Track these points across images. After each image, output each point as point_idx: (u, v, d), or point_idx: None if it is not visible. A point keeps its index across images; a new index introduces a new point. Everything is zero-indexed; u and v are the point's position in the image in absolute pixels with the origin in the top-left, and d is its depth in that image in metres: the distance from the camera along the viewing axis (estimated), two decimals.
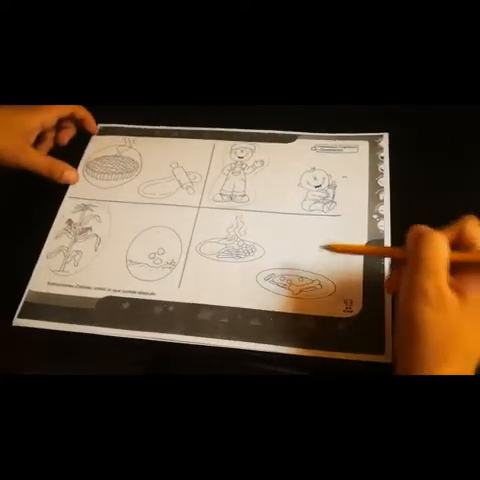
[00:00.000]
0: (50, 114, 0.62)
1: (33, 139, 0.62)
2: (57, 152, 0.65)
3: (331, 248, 0.52)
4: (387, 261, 0.52)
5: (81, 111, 0.65)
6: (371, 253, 0.53)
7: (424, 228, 0.41)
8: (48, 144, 0.65)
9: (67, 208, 0.61)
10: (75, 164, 0.65)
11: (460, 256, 0.40)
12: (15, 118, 0.60)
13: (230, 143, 0.64)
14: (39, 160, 0.61)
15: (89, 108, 0.67)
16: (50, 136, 0.65)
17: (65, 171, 0.62)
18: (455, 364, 0.37)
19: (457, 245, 0.41)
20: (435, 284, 0.38)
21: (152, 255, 0.56)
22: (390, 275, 0.48)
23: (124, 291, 0.54)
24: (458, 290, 0.38)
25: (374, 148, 0.61)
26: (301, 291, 0.52)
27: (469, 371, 0.38)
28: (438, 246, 0.39)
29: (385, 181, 0.58)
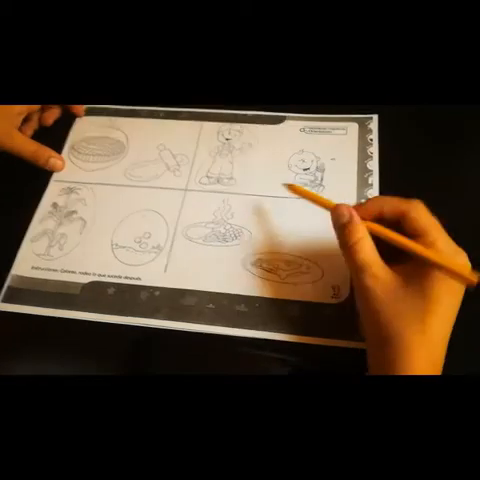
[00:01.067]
0: None
1: (19, 123, 0.61)
2: (42, 134, 0.64)
3: (290, 187, 0.50)
4: None
5: None
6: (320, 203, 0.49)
7: (347, 218, 0.42)
8: (33, 125, 0.64)
9: (52, 191, 0.60)
10: (60, 146, 0.64)
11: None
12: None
13: (218, 124, 0.63)
14: (24, 145, 0.60)
15: None
16: (35, 117, 0.64)
17: (51, 158, 0.61)
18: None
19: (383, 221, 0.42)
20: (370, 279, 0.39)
21: (138, 239, 0.55)
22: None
23: (109, 276, 0.53)
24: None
25: (364, 130, 0.60)
26: (288, 276, 0.51)
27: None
28: (365, 244, 0.40)
29: (374, 164, 0.57)
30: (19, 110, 0.60)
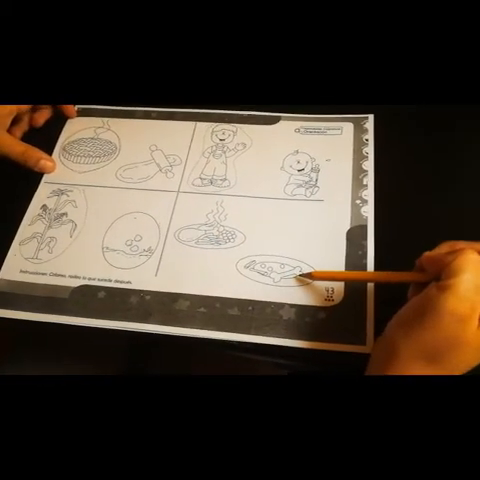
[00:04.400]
0: None
1: (8, 124, 0.60)
2: (33, 135, 0.63)
3: (310, 276, 0.49)
4: (370, 249, 0.51)
5: None
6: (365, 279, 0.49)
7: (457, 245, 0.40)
8: (23, 127, 0.63)
9: (42, 193, 0.59)
10: (51, 147, 0.63)
11: None
12: None
13: (211, 125, 0.62)
14: (13, 147, 0.59)
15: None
16: (25, 118, 0.63)
17: (41, 159, 0.60)
18: None
19: None
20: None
21: (129, 242, 0.54)
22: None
23: (100, 279, 0.52)
24: None
25: (359, 130, 0.59)
26: (282, 279, 0.50)
27: None
28: (479, 268, 0.37)
29: (369, 165, 0.56)
30: (8, 111, 0.59)
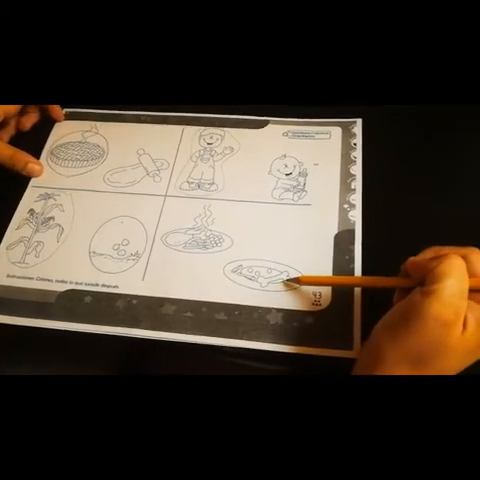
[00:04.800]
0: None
1: None
2: (20, 138, 0.63)
3: (298, 281, 0.49)
4: (357, 254, 0.51)
5: None
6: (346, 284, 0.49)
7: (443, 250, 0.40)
8: (10, 131, 0.63)
9: (30, 197, 0.59)
10: (39, 151, 0.62)
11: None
12: None
13: (199, 129, 0.62)
14: (1, 150, 0.59)
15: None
16: (12, 122, 0.63)
17: (28, 163, 0.59)
18: None
19: None
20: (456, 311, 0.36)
21: (116, 246, 0.54)
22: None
23: (86, 284, 0.52)
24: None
25: (347, 134, 0.59)
26: (269, 283, 0.50)
27: None
28: (463, 273, 0.37)
29: (357, 169, 0.56)
30: None
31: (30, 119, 0.64)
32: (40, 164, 0.60)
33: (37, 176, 0.60)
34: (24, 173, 0.59)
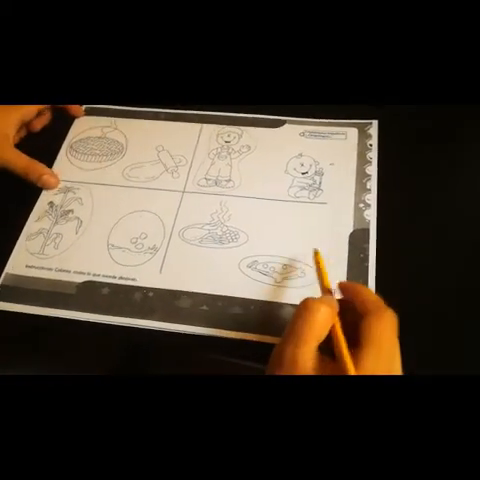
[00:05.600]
0: (30, 107, 0.60)
1: (12, 135, 0.60)
2: (41, 133, 0.64)
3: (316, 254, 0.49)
4: (371, 253, 0.51)
5: None
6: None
7: (312, 301, 0.39)
8: (21, 133, 0.63)
9: (49, 190, 0.60)
10: (58, 145, 0.63)
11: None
12: None
13: (217, 127, 0.63)
14: (16, 160, 0.58)
15: None
16: (25, 125, 0.63)
17: (43, 175, 0.59)
18: None
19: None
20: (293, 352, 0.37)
21: (134, 240, 0.55)
22: None
23: (104, 276, 0.53)
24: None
25: (363, 135, 0.60)
26: (284, 279, 0.51)
27: None
28: (316, 318, 0.38)
29: (373, 169, 0.57)
30: (13, 124, 0.59)
31: (41, 121, 0.64)
32: (55, 177, 0.60)
33: (52, 188, 0.60)
34: (38, 185, 0.59)
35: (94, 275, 0.53)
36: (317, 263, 0.47)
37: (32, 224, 0.57)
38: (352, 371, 0.35)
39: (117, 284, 0.52)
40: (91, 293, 0.52)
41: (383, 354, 0.37)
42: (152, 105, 0.66)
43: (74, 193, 0.59)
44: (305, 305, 0.39)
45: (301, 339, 0.37)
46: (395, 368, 0.37)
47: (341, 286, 0.43)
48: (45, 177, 0.59)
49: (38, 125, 0.64)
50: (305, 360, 0.36)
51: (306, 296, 0.48)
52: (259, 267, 0.52)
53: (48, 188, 0.60)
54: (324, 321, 0.38)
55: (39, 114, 0.63)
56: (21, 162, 0.59)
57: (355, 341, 0.38)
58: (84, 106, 0.66)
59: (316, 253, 0.48)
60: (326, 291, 0.44)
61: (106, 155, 0.62)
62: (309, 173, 0.58)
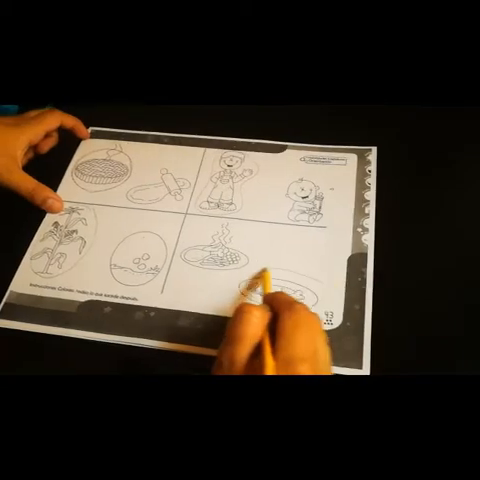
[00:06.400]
0: (38, 130, 0.61)
1: (21, 158, 0.60)
2: (48, 155, 0.65)
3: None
4: (369, 277, 0.52)
5: (69, 121, 0.65)
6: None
7: (246, 304, 0.42)
8: (29, 155, 0.64)
9: None
10: (64, 166, 0.65)
11: None
12: (4, 137, 0.59)
13: (220, 151, 0.65)
14: (23, 182, 0.59)
15: (83, 107, 0.66)
16: (32, 147, 0.64)
17: (48, 199, 0.60)
18: None
19: None
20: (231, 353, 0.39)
21: (137, 260, 0.56)
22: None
23: (106, 295, 0.54)
24: None
25: (362, 161, 0.61)
26: None
27: None
28: (250, 319, 0.41)
29: (371, 195, 0.58)
30: (21, 146, 0.60)
31: (48, 143, 0.65)
32: (60, 201, 0.61)
33: (56, 212, 0.61)
34: (43, 208, 0.60)
35: (96, 294, 0.54)
36: (263, 281, 0.51)
37: (37, 243, 0.58)
38: (270, 364, 0.37)
39: (119, 303, 0.53)
40: (93, 312, 0.53)
41: (298, 339, 0.39)
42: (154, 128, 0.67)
43: (79, 214, 0.60)
44: (240, 308, 0.42)
45: (236, 339, 0.40)
46: (318, 352, 0.40)
47: (265, 298, 0.47)
48: (50, 201, 0.60)
49: (45, 147, 0.65)
50: (241, 357, 0.39)
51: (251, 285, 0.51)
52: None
53: (52, 212, 0.61)
54: (256, 321, 0.41)
55: (47, 136, 0.64)
56: (27, 185, 0.59)
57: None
58: (90, 129, 0.68)
59: (265, 272, 0.52)
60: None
61: (111, 177, 0.63)
62: (309, 197, 0.59)
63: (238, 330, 0.40)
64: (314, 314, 0.42)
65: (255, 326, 0.40)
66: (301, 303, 0.42)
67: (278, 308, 0.42)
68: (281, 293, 0.47)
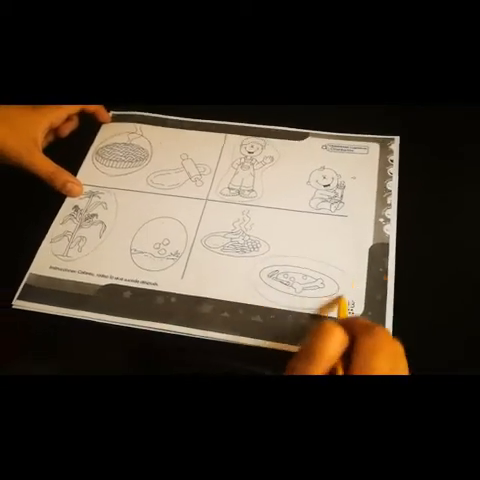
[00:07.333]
0: (60, 113, 0.61)
1: (41, 140, 0.60)
2: (68, 139, 0.65)
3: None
4: (391, 267, 0.52)
5: (91, 106, 0.65)
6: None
7: (330, 323, 0.40)
8: (49, 137, 0.64)
9: None
10: (85, 151, 0.65)
11: None
12: (26, 119, 0.59)
13: (241, 137, 0.64)
14: (43, 165, 0.59)
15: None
16: (52, 131, 0.64)
17: (68, 183, 0.60)
18: None
19: None
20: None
21: (157, 245, 0.56)
22: None
23: (126, 280, 0.54)
24: None
25: (385, 151, 0.60)
26: (304, 289, 0.52)
27: None
28: (332, 339, 0.39)
29: (394, 185, 0.57)
30: (43, 128, 0.60)
31: (69, 126, 0.65)
32: (79, 184, 0.61)
33: (76, 196, 0.61)
34: (63, 192, 0.60)
35: (116, 278, 0.54)
36: (339, 307, 0.49)
37: (57, 227, 0.58)
38: None
39: (139, 288, 0.53)
40: (113, 296, 0.53)
41: (376, 362, 0.38)
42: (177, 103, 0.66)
43: (99, 198, 0.60)
44: (325, 326, 0.40)
45: (315, 356, 0.38)
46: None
47: (341, 322, 0.43)
48: (69, 185, 0.60)
49: (66, 130, 0.65)
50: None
51: (325, 306, 0.50)
52: (280, 277, 0.53)
53: (72, 196, 0.61)
54: (338, 343, 0.39)
55: (68, 119, 0.64)
56: (47, 168, 0.59)
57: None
58: (111, 112, 0.68)
59: (341, 299, 0.50)
60: None
61: (131, 161, 0.63)
62: (331, 186, 0.58)
63: (319, 348, 0.39)
64: (395, 339, 0.40)
65: (335, 348, 0.39)
66: (380, 326, 0.41)
67: (356, 331, 0.40)
68: (358, 318, 0.46)
